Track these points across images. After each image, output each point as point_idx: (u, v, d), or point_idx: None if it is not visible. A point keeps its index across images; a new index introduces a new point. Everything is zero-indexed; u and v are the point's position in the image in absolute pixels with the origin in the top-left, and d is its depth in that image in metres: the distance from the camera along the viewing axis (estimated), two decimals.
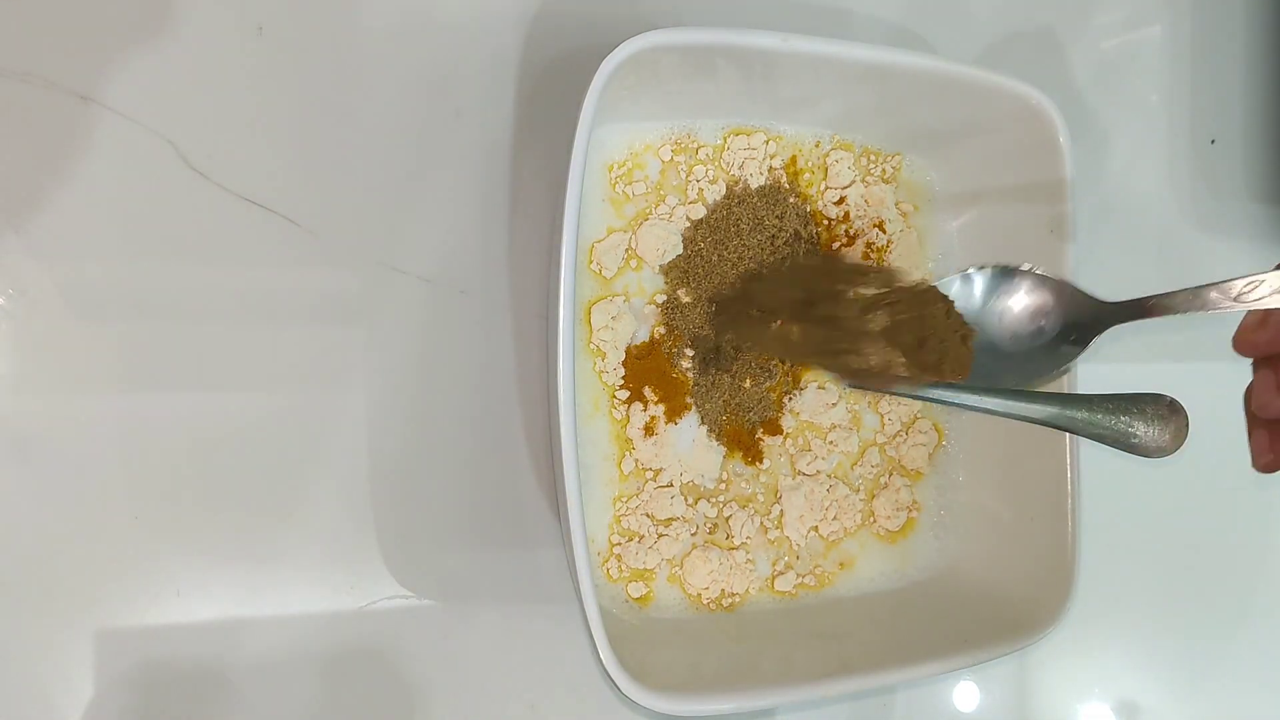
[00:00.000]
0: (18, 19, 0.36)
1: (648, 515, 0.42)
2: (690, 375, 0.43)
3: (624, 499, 0.42)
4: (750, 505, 0.44)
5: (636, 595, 0.42)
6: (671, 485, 0.42)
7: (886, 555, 0.46)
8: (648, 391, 0.42)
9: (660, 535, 0.42)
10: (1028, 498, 0.43)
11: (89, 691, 0.36)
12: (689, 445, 0.43)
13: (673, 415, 0.42)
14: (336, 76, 0.40)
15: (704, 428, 0.43)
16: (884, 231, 0.46)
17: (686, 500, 0.42)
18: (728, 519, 0.43)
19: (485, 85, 0.41)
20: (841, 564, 0.45)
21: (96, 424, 0.37)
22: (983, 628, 0.41)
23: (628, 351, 0.42)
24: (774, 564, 0.44)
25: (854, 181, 0.45)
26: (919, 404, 0.46)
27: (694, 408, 0.43)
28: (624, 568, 0.41)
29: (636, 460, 0.42)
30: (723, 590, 0.43)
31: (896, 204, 0.46)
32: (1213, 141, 0.54)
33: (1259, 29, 0.55)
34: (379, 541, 0.40)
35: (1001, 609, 0.42)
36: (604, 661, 0.33)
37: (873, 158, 0.46)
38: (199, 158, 0.38)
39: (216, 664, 0.38)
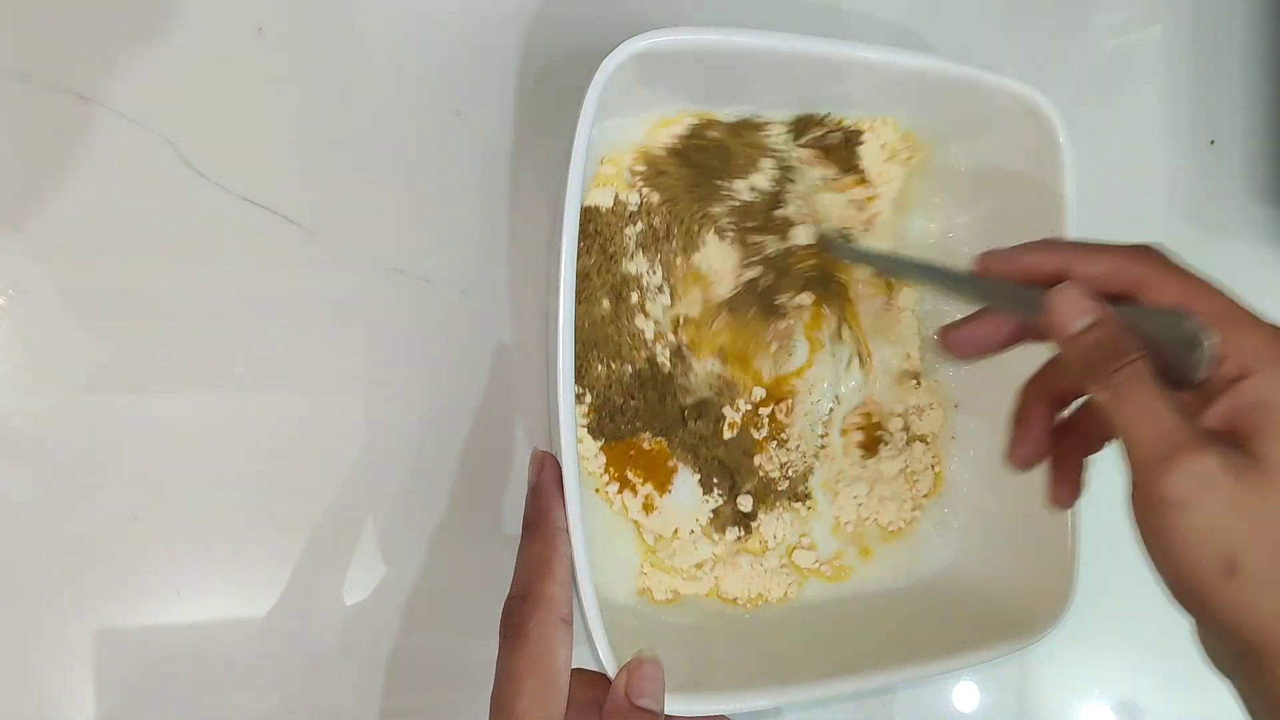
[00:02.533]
0: (18, 19, 0.36)
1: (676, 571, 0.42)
2: (662, 443, 0.42)
3: (646, 570, 0.42)
4: (777, 506, 0.44)
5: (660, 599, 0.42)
6: (693, 533, 0.43)
7: (888, 555, 0.46)
8: (631, 475, 0.42)
9: (694, 578, 0.42)
10: (1028, 497, 0.43)
11: (89, 691, 0.36)
12: (691, 495, 0.43)
13: (662, 486, 0.42)
14: (336, 76, 0.40)
15: (696, 476, 0.43)
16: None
17: (712, 539, 0.43)
18: (757, 527, 0.44)
19: (485, 85, 0.41)
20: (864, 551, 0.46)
21: (96, 424, 0.37)
22: (983, 628, 0.41)
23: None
24: (800, 537, 0.44)
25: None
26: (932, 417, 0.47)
27: (679, 467, 0.43)
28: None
29: (654, 534, 0.42)
30: (726, 591, 0.43)
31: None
32: (1212, 142, 0.54)
33: (1259, 29, 0.55)
34: (378, 541, 0.40)
35: (1002, 609, 0.42)
36: (604, 662, 0.33)
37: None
38: (199, 158, 0.38)
39: (216, 663, 0.38)
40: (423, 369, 0.40)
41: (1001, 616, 0.42)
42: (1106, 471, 0.45)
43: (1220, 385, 0.29)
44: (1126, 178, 0.53)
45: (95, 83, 0.37)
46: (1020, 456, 0.36)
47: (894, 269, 0.45)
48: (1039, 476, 0.43)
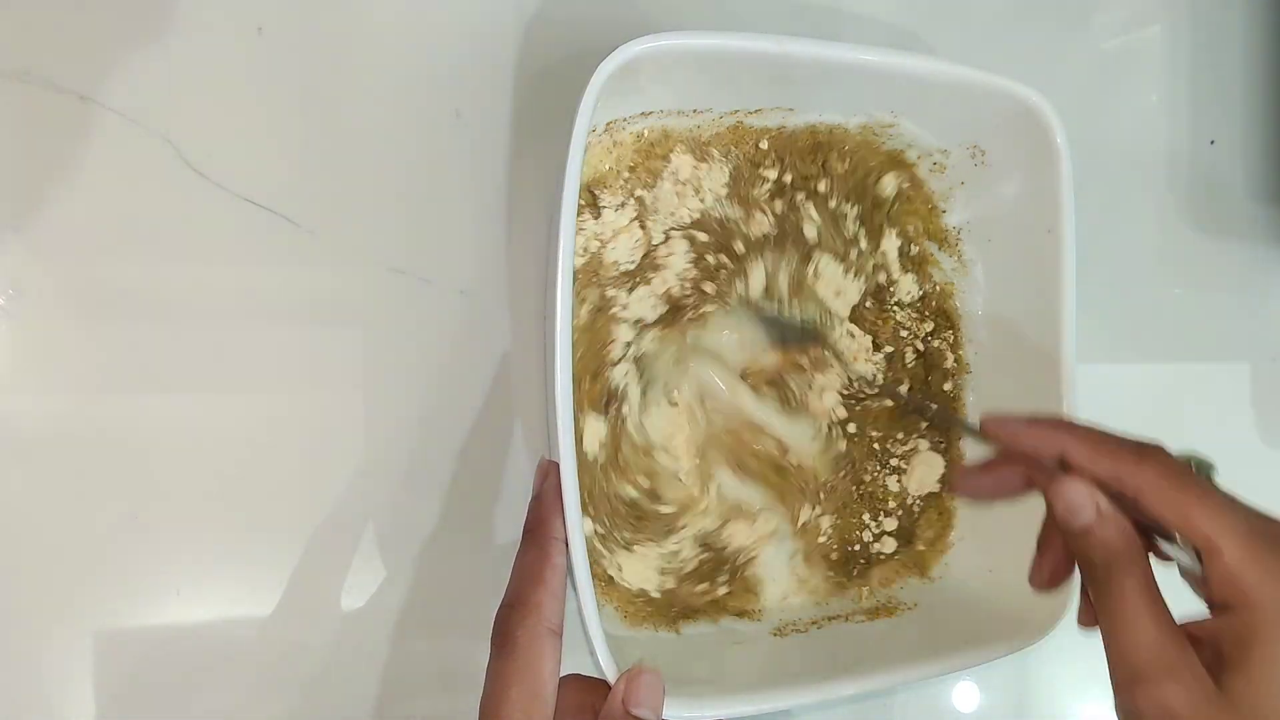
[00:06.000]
0: (18, 19, 0.36)
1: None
2: None
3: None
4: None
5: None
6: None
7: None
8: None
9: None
10: (1028, 497, 0.43)
11: (89, 691, 0.36)
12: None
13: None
14: (336, 77, 0.40)
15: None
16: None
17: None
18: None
19: (484, 86, 0.41)
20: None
21: (96, 424, 0.37)
22: (983, 629, 0.41)
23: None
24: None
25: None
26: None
27: None
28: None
29: None
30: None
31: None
32: (1212, 142, 0.54)
33: (1259, 29, 0.55)
34: (378, 541, 0.40)
35: (1002, 610, 0.42)
36: (602, 666, 0.33)
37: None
38: (199, 158, 0.38)
39: (215, 664, 0.38)
40: (422, 369, 0.40)
41: (1001, 616, 0.42)
42: None
43: (1218, 593, 0.29)
44: (1126, 178, 0.53)
45: (95, 83, 0.37)
46: (1041, 580, 0.36)
47: (909, 406, 0.46)
48: None
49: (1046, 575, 0.35)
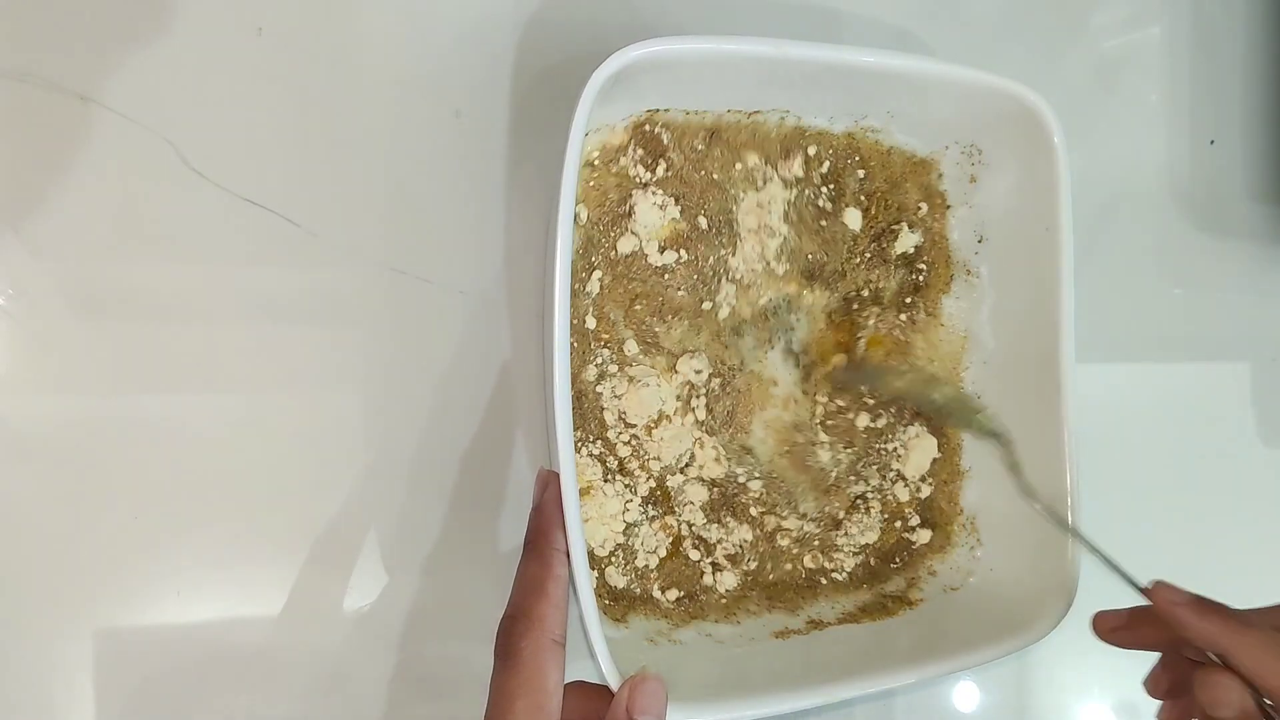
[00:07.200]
0: (18, 19, 0.36)
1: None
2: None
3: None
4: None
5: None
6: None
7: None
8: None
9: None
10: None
11: (89, 691, 0.36)
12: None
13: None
14: (336, 77, 0.40)
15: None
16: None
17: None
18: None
19: (484, 87, 0.41)
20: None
21: (96, 424, 0.37)
22: (983, 628, 0.41)
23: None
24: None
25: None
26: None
27: None
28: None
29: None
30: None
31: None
32: (1212, 142, 0.54)
33: (1259, 29, 0.55)
34: (378, 542, 0.40)
35: (1001, 610, 0.42)
36: (604, 670, 0.33)
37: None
38: (199, 158, 0.38)
39: (215, 664, 0.38)
40: (422, 368, 0.40)
41: (1001, 617, 0.42)
42: (1105, 470, 0.45)
43: None
44: (1126, 178, 0.53)
45: (95, 83, 0.37)
46: (1159, 693, 0.37)
47: (1060, 523, 0.42)
48: (1035, 477, 0.43)
49: (1165, 689, 0.36)
